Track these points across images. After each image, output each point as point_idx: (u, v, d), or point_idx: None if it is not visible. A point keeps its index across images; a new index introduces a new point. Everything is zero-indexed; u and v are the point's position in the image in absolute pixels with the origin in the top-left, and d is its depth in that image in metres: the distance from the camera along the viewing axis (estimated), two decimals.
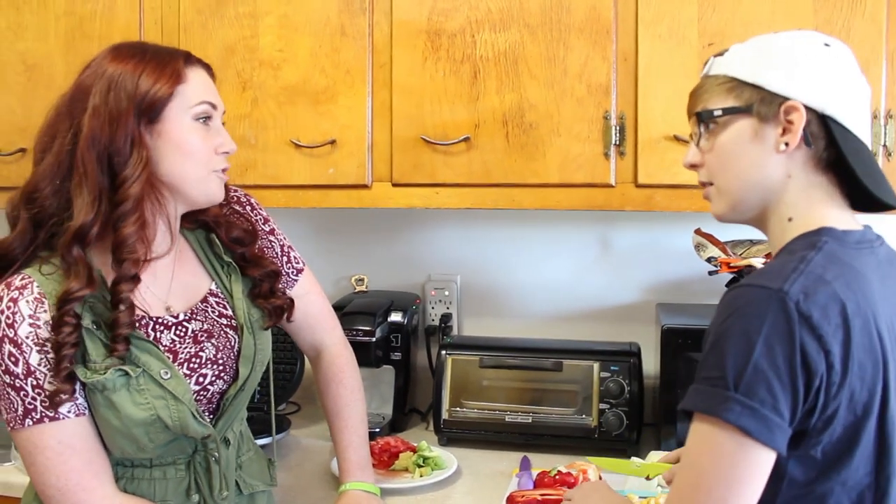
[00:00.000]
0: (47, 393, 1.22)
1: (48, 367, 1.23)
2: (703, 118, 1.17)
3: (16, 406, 1.23)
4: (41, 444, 1.24)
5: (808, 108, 1.10)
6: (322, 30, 1.93)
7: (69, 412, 1.25)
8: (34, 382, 1.22)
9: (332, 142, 1.93)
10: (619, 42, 1.76)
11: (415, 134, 1.88)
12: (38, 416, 1.23)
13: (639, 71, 1.75)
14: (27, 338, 1.22)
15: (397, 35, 1.88)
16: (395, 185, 1.92)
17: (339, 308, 2.09)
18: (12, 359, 1.22)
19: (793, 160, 1.13)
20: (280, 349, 1.99)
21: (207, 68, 1.37)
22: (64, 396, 1.22)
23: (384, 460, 1.79)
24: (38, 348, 1.23)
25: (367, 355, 2.00)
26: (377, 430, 2.03)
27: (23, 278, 1.25)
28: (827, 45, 1.13)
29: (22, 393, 1.23)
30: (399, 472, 1.78)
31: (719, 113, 1.15)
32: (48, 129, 1.29)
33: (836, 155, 1.11)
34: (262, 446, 1.60)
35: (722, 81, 1.16)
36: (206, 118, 1.33)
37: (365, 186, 1.93)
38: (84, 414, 1.27)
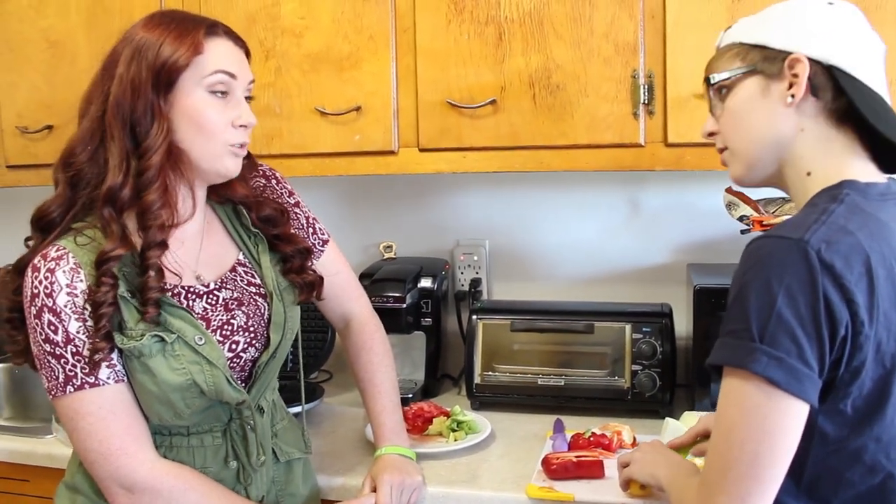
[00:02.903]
0: (87, 359, 1.24)
1: (87, 334, 1.24)
2: (712, 84, 1.21)
3: (57, 374, 1.25)
4: (82, 411, 1.26)
5: (812, 61, 1.11)
6: None
7: (108, 378, 1.26)
8: (73, 350, 1.24)
9: (358, 108, 1.92)
10: None
11: (440, 98, 1.86)
12: (78, 383, 1.25)
13: (667, 28, 1.72)
14: (65, 306, 1.24)
15: None
16: (421, 150, 1.90)
17: (368, 275, 2.09)
18: (52, 327, 1.24)
19: (803, 113, 1.13)
20: (311, 318, 2.00)
21: (235, 38, 1.35)
22: (102, 356, 1.24)
23: (418, 425, 1.80)
24: (76, 316, 1.24)
25: (397, 322, 2.01)
26: (410, 395, 2.04)
27: (58, 249, 1.26)
28: (830, 3, 1.15)
29: (62, 360, 1.24)
30: (433, 436, 1.79)
31: (726, 76, 1.18)
32: (87, 95, 1.32)
33: (848, 105, 1.11)
34: (296, 415, 1.61)
35: (728, 50, 1.20)
36: (223, 89, 1.31)
37: (391, 152, 1.93)
38: (123, 381, 1.28)
